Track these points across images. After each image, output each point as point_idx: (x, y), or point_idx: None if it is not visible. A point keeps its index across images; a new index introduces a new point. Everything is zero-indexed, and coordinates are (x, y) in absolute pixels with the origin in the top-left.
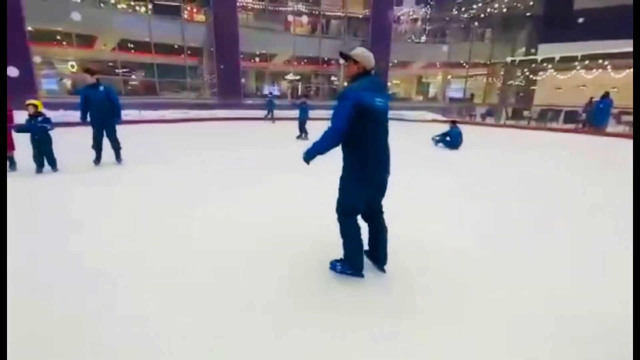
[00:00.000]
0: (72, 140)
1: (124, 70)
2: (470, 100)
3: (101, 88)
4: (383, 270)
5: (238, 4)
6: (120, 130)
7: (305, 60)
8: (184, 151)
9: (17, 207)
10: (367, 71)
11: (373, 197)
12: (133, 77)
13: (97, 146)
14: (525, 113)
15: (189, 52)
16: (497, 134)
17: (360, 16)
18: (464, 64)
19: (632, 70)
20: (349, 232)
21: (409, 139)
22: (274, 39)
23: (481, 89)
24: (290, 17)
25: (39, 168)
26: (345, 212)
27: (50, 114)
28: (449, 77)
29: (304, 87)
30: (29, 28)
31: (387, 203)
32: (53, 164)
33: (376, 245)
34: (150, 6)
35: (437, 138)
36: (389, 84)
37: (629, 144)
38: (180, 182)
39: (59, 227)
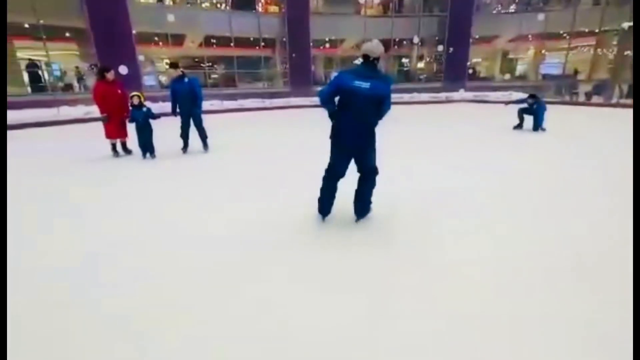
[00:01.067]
0: (170, 129)
1: (208, 64)
2: (574, 77)
3: (186, 80)
4: (356, 221)
5: None
6: (207, 120)
7: None
8: (258, 139)
9: (114, 186)
10: (366, 59)
11: (355, 160)
12: (216, 69)
13: (185, 135)
14: None
15: (263, 44)
16: (606, 116)
17: None
18: (565, 35)
19: None
20: (322, 184)
21: (485, 123)
22: (344, 23)
23: (586, 63)
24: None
25: (144, 154)
26: (326, 169)
27: (152, 106)
28: (543, 51)
29: None
30: (134, 31)
31: None
32: (152, 150)
33: (355, 198)
34: (230, 2)
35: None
36: (467, 63)
37: None
38: (254, 172)
39: (133, 207)
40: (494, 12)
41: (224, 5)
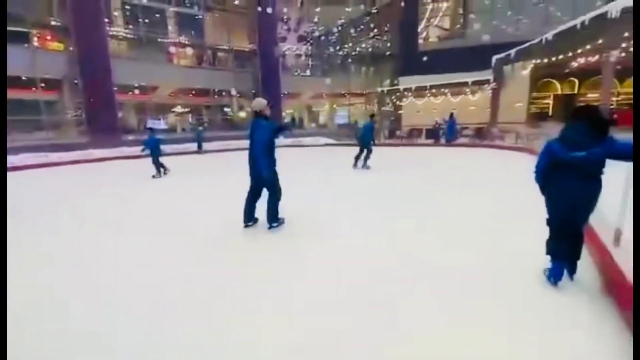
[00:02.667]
0: None
1: None
2: (355, 125)
3: None
4: (268, 228)
5: (109, 32)
6: None
7: (194, 92)
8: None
9: None
10: (256, 112)
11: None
12: None
13: None
14: (398, 133)
15: (43, 85)
16: (381, 152)
17: (247, 50)
18: (345, 94)
19: (465, 96)
20: (246, 198)
21: (303, 163)
22: (156, 70)
23: (362, 115)
24: (172, 49)
25: None
26: (248, 190)
27: None
28: (335, 105)
29: (194, 119)
30: None
31: None
32: None
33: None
34: None
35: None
36: (282, 114)
37: (468, 150)
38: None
39: None
40: (295, 74)
41: None
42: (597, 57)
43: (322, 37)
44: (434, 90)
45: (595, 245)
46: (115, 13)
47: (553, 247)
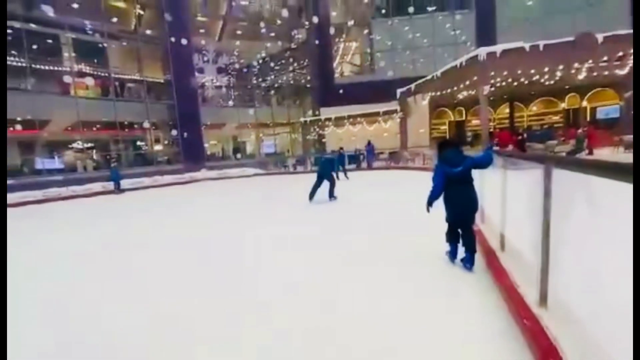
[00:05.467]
0: None
1: None
2: (282, 154)
3: None
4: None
5: None
6: None
7: (99, 126)
8: None
9: None
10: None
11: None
12: None
13: None
14: None
15: None
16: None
17: (162, 81)
18: (270, 124)
19: (379, 124)
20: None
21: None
22: (46, 102)
23: (288, 144)
24: (67, 78)
25: None
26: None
27: None
28: (261, 135)
29: (99, 155)
30: None
31: None
32: None
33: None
34: None
35: None
36: (204, 145)
37: (387, 172)
38: None
39: None
40: (217, 105)
41: None
42: (474, 90)
43: (244, 70)
44: (351, 120)
45: (486, 249)
46: None
47: (450, 236)
